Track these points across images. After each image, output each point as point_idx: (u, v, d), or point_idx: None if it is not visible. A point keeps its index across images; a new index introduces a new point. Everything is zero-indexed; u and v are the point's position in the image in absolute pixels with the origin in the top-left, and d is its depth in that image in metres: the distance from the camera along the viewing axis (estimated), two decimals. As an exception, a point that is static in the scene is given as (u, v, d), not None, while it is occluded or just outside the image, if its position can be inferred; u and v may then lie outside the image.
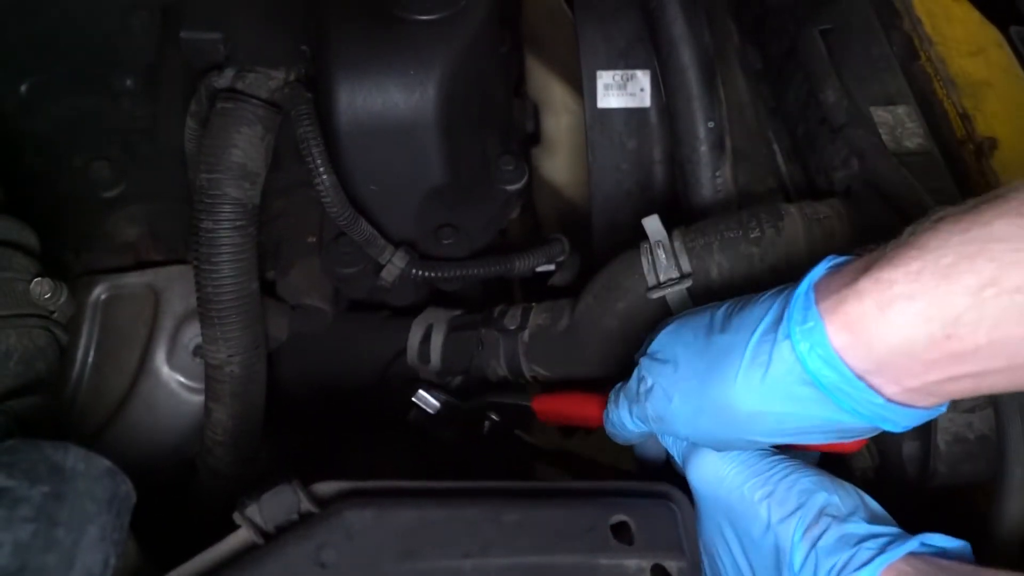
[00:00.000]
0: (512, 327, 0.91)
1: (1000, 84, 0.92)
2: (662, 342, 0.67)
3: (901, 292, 0.50)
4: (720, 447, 0.66)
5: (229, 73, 0.85)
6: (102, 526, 0.53)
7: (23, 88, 0.89)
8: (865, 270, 0.53)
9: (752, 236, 0.80)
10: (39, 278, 0.72)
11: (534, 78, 1.20)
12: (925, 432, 0.75)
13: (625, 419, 0.70)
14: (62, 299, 0.74)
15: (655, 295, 0.80)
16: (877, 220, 0.83)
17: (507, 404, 0.91)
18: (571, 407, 0.85)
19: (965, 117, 0.89)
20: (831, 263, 0.57)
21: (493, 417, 0.92)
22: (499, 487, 0.65)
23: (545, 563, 0.60)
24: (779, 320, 0.56)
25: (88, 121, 0.93)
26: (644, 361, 0.68)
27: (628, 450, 0.85)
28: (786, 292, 0.58)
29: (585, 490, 0.68)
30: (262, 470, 0.91)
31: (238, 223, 0.81)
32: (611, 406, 0.74)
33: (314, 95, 0.86)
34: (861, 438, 0.65)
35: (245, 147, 0.81)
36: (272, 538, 0.58)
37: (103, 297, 0.98)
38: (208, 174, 0.80)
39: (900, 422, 0.55)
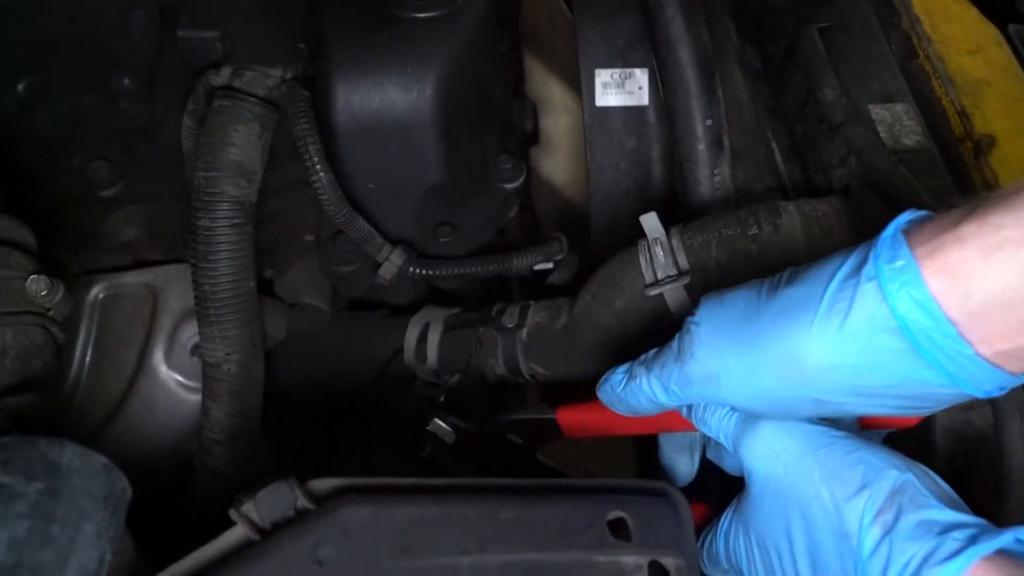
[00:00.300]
0: (510, 325, 0.91)
1: (999, 82, 0.92)
2: (716, 299, 0.61)
3: (1010, 237, 0.47)
4: (776, 412, 0.60)
5: (226, 71, 0.85)
6: (98, 523, 0.53)
7: (21, 87, 0.89)
8: (966, 216, 0.49)
9: (750, 233, 0.80)
10: (35, 275, 0.72)
11: (533, 78, 1.20)
12: (924, 428, 0.75)
13: (656, 387, 0.64)
14: (58, 296, 0.74)
15: (653, 292, 0.80)
16: (876, 218, 0.83)
17: (529, 420, 0.86)
18: (601, 415, 0.77)
19: (963, 115, 0.89)
20: (912, 215, 0.53)
21: (516, 440, 0.87)
22: (496, 484, 0.65)
23: (542, 560, 0.60)
24: (862, 265, 0.52)
25: (86, 121, 0.93)
26: (698, 313, 0.62)
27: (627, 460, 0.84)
28: (864, 245, 0.54)
29: (582, 487, 0.68)
30: (260, 469, 0.91)
31: (235, 221, 0.81)
32: (639, 371, 0.66)
33: (312, 93, 0.86)
34: (932, 410, 0.58)
35: (242, 145, 0.81)
36: (268, 535, 0.58)
37: (101, 296, 0.98)
38: (205, 172, 0.80)
39: (984, 385, 0.50)
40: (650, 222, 0.82)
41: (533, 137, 1.20)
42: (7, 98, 0.89)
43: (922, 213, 0.54)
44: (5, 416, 0.67)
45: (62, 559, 0.51)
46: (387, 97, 0.82)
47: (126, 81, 0.90)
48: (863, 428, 0.69)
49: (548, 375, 0.91)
